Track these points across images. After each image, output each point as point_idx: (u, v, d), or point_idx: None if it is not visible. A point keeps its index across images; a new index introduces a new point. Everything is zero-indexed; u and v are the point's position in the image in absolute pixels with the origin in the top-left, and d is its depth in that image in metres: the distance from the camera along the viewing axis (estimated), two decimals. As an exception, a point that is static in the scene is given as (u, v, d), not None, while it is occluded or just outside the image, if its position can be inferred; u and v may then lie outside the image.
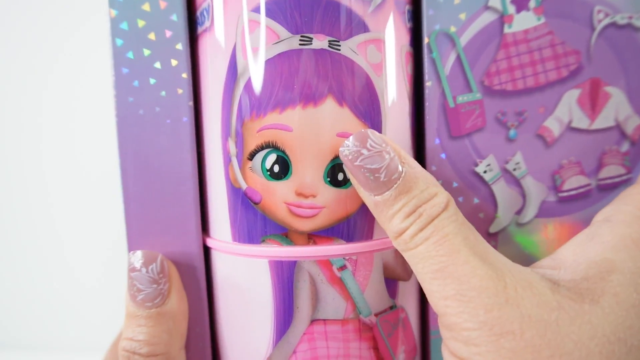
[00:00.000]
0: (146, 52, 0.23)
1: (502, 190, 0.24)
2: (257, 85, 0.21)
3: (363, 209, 0.22)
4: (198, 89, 0.23)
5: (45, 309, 0.53)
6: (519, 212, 0.24)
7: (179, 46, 0.23)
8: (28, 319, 0.53)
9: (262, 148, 0.21)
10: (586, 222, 0.24)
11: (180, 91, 0.23)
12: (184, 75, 0.23)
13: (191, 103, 0.23)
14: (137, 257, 0.22)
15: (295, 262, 0.21)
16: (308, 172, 0.21)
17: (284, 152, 0.21)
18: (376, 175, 0.19)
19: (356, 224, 0.22)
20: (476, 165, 0.24)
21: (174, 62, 0.23)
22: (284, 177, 0.21)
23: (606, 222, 0.20)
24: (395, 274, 0.23)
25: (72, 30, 0.48)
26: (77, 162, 0.50)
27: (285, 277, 0.22)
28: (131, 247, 0.23)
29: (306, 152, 0.21)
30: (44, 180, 0.51)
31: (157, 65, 0.23)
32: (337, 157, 0.21)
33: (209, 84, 0.22)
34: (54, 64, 0.49)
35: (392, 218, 0.20)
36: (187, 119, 0.23)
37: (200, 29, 0.23)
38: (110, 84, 0.23)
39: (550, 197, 0.24)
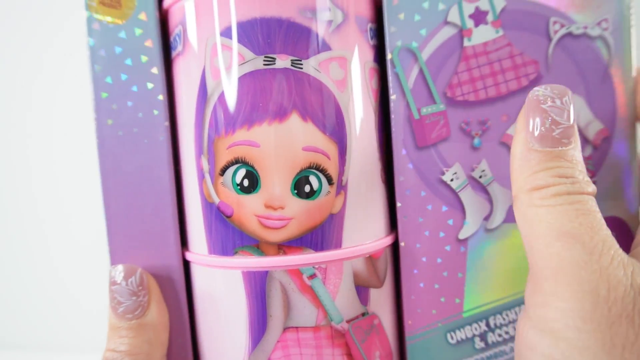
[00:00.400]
0: (123, 76, 0.24)
1: (469, 197, 0.25)
2: (226, 104, 0.22)
3: (330, 219, 0.23)
4: (174, 109, 0.24)
5: (45, 309, 0.53)
6: (487, 218, 0.25)
7: (155, 70, 0.24)
8: (28, 319, 0.54)
9: (232, 164, 0.22)
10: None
11: (156, 112, 0.24)
12: (160, 97, 0.24)
13: (167, 123, 0.24)
14: (118, 270, 0.23)
15: (267, 272, 0.22)
16: (276, 185, 0.22)
17: (252, 166, 0.22)
18: (553, 127, 0.19)
19: (324, 234, 0.23)
20: (443, 174, 0.25)
21: (150, 85, 0.24)
22: (253, 190, 0.22)
23: None
24: (366, 281, 0.24)
25: (57, 31, 0.48)
26: (76, 162, 0.50)
27: (258, 287, 0.22)
28: (113, 261, 0.24)
29: (273, 166, 0.22)
30: (45, 179, 0.51)
31: (134, 88, 0.24)
32: (302, 170, 0.22)
33: (183, 104, 0.24)
34: (41, 66, 0.49)
35: (541, 171, 0.19)
36: (164, 138, 0.24)
37: (174, 53, 0.24)
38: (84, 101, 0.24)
39: (517, 203, 0.25)
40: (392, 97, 0.24)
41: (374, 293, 0.24)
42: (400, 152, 0.25)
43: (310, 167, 0.22)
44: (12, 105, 0.51)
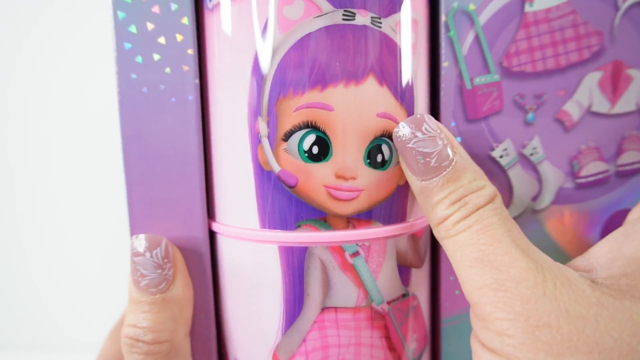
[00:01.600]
0: (150, 26, 0.21)
1: (518, 176, 0.23)
2: (296, 61, 0.20)
3: (398, 191, 0.21)
4: (204, 66, 0.22)
5: (45, 309, 0.52)
6: (535, 198, 0.23)
7: (185, 20, 0.21)
8: (27, 319, 0.53)
9: (300, 128, 0.20)
10: (604, 209, 0.24)
11: (186, 68, 0.22)
12: (190, 52, 0.22)
13: (197, 81, 0.22)
14: (141, 241, 0.21)
15: (306, 248, 0.21)
16: (349, 153, 0.20)
17: (324, 132, 0.20)
18: (427, 159, 0.19)
19: (392, 206, 0.21)
20: (492, 149, 0.23)
21: (179, 37, 0.21)
22: (324, 158, 0.20)
23: None
24: (409, 261, 0.22)
25: (75, 27, 0.47)
26: (76, 162, 0.49)
27: (296, 263, 0.21)
28: (134, 232, 0.22)
29: (347, 133, 0.20)
30: (42, 180, 0.50)
31: (162, 40, 0.21)
32: (376, 138, 0.20)
33: (228, 61, 0.21)
34: (51, 56, 0.48)
35: (437, 205, 0.19)
36: (193, 97, 0.22)
37: (212, 2, 0.22)
38: (107, 72, 0.22)
39: (567, 184, 0.23)
40: (444, 64, 0.22)
41: (415, 273, 0.23)
42: (449, 124, 0.23)
43: (383, 135, 0.20)
44: (27, 80, 0.48)
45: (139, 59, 0.22)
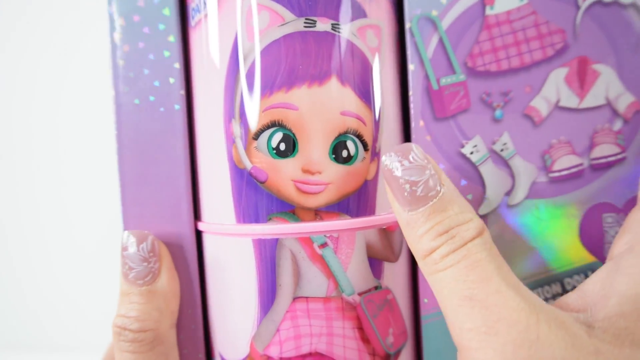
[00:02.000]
0: (140, 44, 0.24)
1: (490, 172, 0.24)
2: (263, 66, 0.22)
3: (365, 185, 0.22)
4: (190, 78, 0.24)
5: (45, 310, 0.53)
6: (508, 193, 0.24)
7: (171, 38, 0.24)
8: (27, 319, 0.54)
9: (268, 127, 0.22)
10: (579, 203, 0.24)
11: (172, 80, 0.24)
12: (176, 65, 0.24)
13: (183, 92, 0.24)
14: (129, 236, 0.23)
15: (277, 240, 0.22)
16: (314, 149, 0.22)
17: (290, 130, 0.22)
18: (413, 188, 0.19)
19: (360, 200, 0.22)
20: (462, 146, 0.24)
21: (166, 54, 0.24)
22: (291, 154, 0.22)
23: (630, 251, 0.19)
24: (380, 254, 0.23)
25: (75, 33, 0.49)
26: (76, 162, 0.51)
27: (268, 255, 0.22)
28: (126, 228, 0.24)
29: (312, 130, 0.22)
30: (42, 181, 0.52)
31: (151, 56, 0.24)
32: (341, 135, 0.22)
33: (206, 71, 0.23)
34: (44, 58, 0.50)
35: (422, 236, 0.19)
36: (180, 106, 0.24)
37: (194, 20, 0.24)
38: (99, 77, 0.24)
39: (540, 178, 0.24)
40: (411, 67, 0.24)
41: (388, 267, 0.23)
42: (418, 123, 0.24)
43: (347, 132, 0.22)
44: (23, 82, 0.51)
45: (131, 74, 0.24)
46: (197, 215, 0.25)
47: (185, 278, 0.24)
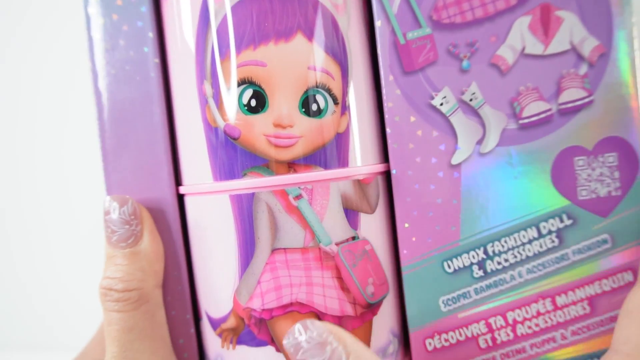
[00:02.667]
0: (115, 16, 0.25)
1: (460, 121, 0.24)
2: (230, 26, 0.22)
3: (337, 138, 0.23)
4: (164, 46, 0.25)
5: (44, 309, 0.54)
6: (480, 142, 0.24)
7: (143, 8, 0.25)
8: (28, 319, 0.54)
9: (238, 84, 0.22)
10: (549, 148, 0.24)
11: (146, 49, 0.25)
12: (150, 34, 0.25)
13: (157, 60, 0.25)
14: (110, 201, 0.24)
15: (253, 194, 0.22)
16: (284, 103, 0.22)
17: (259, 86, 0.22)
18: None
19: (332, 152, 0.23)
20: (432, 98, 0.24)
21: (139, 24, 0.25)
22: (261, 110, 0.22)
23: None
24: (356, 205, 0.23)
25: (58, 30, 0.50)
26: (76, 161, 0.51)
27: (245, 209, 0.23)
28: (109, 194, 0.25)
29: (281, 85, 0.22)
30: (41, 179, 0.52)
31: (125, 27, 0.25)
32: (309, 89, 0.23)
33: (178, 35, 0.24)
34: (36, 60, 0.51)
35: None
36: (154, 74, 0.25)
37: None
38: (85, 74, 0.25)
39: (510, 125, 0.24)
40: (377, 23, 0.24)
41: (364, 218, 0.24)
42: (387, 78, 0.24)
43: (316, 86, 0.22)
44: (16, 86, 0.52)
45: (107, 45, 0.25)
46: (178, 181, 0.25)
47: (169, 241, 0.25)
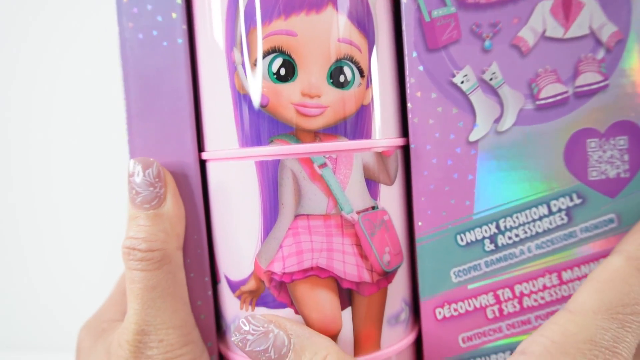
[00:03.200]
0: (144, -20, 0.25)
1: (479, 100, 0.25)
2: None
3: (362, 110, 0.24)
4: (192, 12, 0.25)
5: (46, 310, 0.54)
6: (497, 121, 0.25)
7: (173, -27, 0.25)
8: (27, 319, 0.55)
9: (268, 53, 0.23)
10: (563, 130, 0.25)
11: (174, 15, 0.25)
12: (178, 1, 0.25)
13: (185, 26, 0.25)
14: (136, 163, 0.24)
15: (279, 161, 0.23)
16: (313, 73, 0.23)
17: (289, 55, 0.23)
18: (267, 355, 0.21)
19: (357, 123, 0.24)
20: (453, 76, 0.25)
21: (169, -11, 0.25)
22: (290, 79, 0.23)
23: (521, 354, 0.21)
24: (376, 176, 0.24)
25: (75, 30, 0.50)
26: (79, 161, 0.52)
27: (270, 175, 0.23)
28: (132, 158, 0.25)
29: (311, 55, 0.23)
30: (45, 180, 0.53)
31: (154, -8, 0.25)
32: (338, 60, 0.23)
33: (208, 3, 0.24)
34: (54, 61, 0.51)
35: None
36: (182, 40, 0.25)
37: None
38: (105, 74, 0.25)
39: (527, 105, 0.25)
40: (404, 0, 0.25)
41: (384, 189, 0.24)
42: (411, 54, 0.25)
43: (344, 58, 0.23)
44: (29, 85, 0.51)
45: (134, 9, 0.25)
46: (200, 147, 0.26)
47: (190, 205, 0.25)
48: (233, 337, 0.22)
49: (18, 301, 0.55)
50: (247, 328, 0.22)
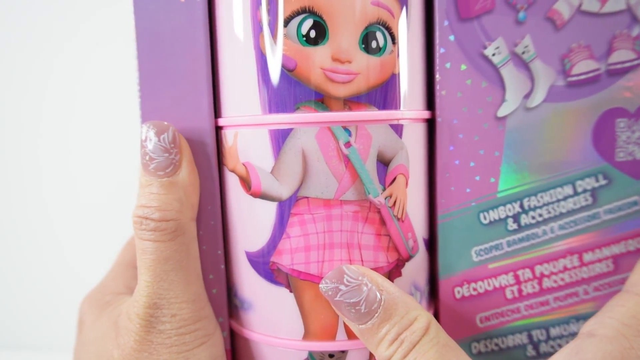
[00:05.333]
0: None
1: (510, 74, 0.24)
2: None
3: (393, 79, 0.22)
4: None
5: (46, 309, 0.53)
6: (527, 96, 0.24)
7: None
8: (27, 319, 0.54)
9: (298, 13, 0.21)
10: (594, 108, 0.24)
11: (193, -31, 0.23)
12: (197, -46, 0.23)
13: (204, -18, 0.23)
14: (149, 127, 0.22)
15: (290, 130, 0.22)
16: (344, 37, 0.21)
17: (320, 17, 0.21)
18: (357, 308, 0.20)
19: (388, 93, 0.22)
20: (485, 47, 0.24)
21: (187, -59, 0.23)
22: (321, 42, 0.21)
23: (590, 336, 0.21)
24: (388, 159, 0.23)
25: (72, 29, 0.49)
26: (78, 161, 0.50)
27: (281, 145, 0.22)
28: (144, 122, 0.24)
29: (343, 17, 0.21)
30: (44, 179, 0.51)
31: (171, -56, 0.23)
32: (371, 25, 0.22)
33: None
34: (52, 61, 0.50)
35: (378, 345, 0.21)
36: (200, -1, 0.23)
37: None
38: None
39: (559, 82, 0.24)
40: (437, -36, 0.23)
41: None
42: (442, 22, 0.24)
43: (377, 23, 0.22)
44: (27, 85, 0.50)
45: (150, -38, 0.23)
46: (217, 113, 0.24)
47: (205, 173, 0.24)
48: (322, 285, 0.21)
49: (18, 301, 0.54)
50: (338, 287, 0.21)
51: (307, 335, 0.23)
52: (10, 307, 0.54)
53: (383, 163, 0.23)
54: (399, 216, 0.23)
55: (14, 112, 0.51)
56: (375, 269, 0.22)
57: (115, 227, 0.28)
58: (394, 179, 0.23)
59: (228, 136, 0.23)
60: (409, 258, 0.24)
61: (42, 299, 0.53)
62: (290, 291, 0.23)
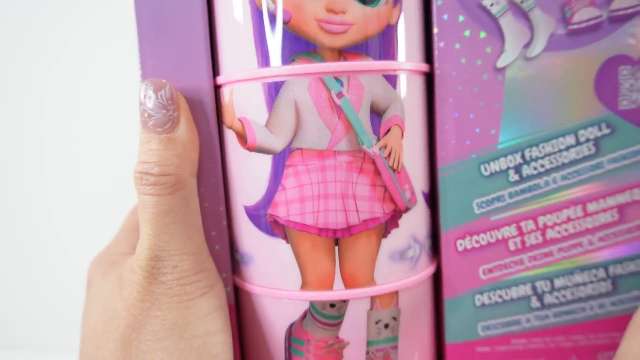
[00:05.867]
0: None
1: (509, 24, 0.24)
2: None
3: (388, 30, 0.22)
4: None
5: (46, 309, 0.54)
6: (527, 46, 0.24)
7: None
8: (27, 319, 0.54)
9: None
10: (596, 56, 0.24)
11: None
12: None
13: (200, -59, 0.23)
14: (147, 84, 0.23)
15: (282, 82, 0.22)
16: None
17: None
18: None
19: (383, 43, 0.22)
20: (483, -3, 0.24)
21: None
22: None
23: None
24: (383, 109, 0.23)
25: (71, 29, 0.49)
26: (78, 160, 0.51)
27: (274, 98, 0.22)
28: (144, 80, 0.24)
29: None
30: (44, 179, 0.52)
31: None
32: None
33: None
34: (53, 62, 0.50)
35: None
36: (197, -44, 0.23)
37: None
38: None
39: (559, 30, 0.24)
40: None
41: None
42: (439, -27, 0.24)
43: None
44: (27, 85, 0.51)
45: None
46: (215, 72, 0.24)
47: (204, 131, 0.24)
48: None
49: (19, 301, 0.55)
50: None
51: (304, 286, 0.23)
52: (11, 306, 0.55)
53: (377, 114, 0.23)
54: (395, 167, 0.23)
55: (15, 111, 0.51)
56: (372, 219, 0.23)
57: (116, 227, 0.29)
58: (389, 129, 0.23)
59: (225, 94, 0.24)
60: (407, 210, 0.23)
61: (43, 298, 0.54)
62: (287, 242, 0.23)
